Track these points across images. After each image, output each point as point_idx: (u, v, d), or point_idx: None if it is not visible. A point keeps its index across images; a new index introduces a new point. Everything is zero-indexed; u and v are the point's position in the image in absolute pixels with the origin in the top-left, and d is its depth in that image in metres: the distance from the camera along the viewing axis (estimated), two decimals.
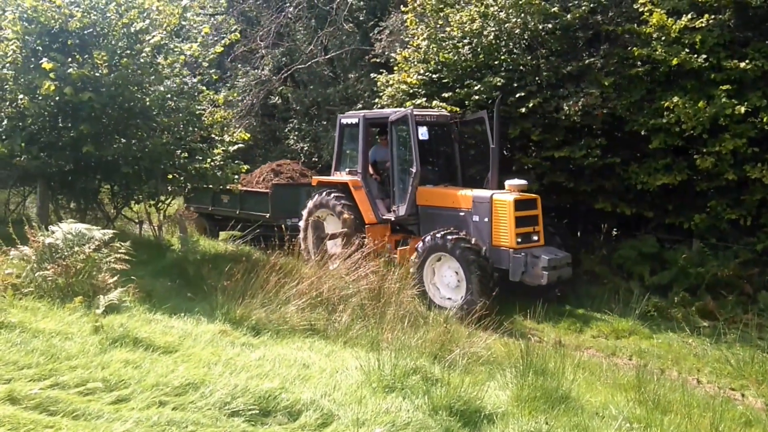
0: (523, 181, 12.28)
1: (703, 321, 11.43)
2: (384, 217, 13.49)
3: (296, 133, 26.70)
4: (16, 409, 4.34)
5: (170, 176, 13.13)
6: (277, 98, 27.88)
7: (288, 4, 26.62)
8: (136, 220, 14.52)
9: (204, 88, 13.61)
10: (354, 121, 14.04)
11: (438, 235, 11.82)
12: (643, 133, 13.01)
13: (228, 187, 14.35)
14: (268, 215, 16.35)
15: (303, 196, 15.87)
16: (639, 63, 12.98)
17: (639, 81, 13.04)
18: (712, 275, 12.01)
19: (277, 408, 4.97)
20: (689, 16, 12.13)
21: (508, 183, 12.13)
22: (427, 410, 5.29)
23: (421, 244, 12.06)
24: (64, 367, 5.13)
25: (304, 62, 26.14)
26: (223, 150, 13.73)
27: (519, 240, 11.75)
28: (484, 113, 13.13)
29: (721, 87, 11.72)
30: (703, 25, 11.97)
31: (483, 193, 12.32)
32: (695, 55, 12.03)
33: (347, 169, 14.21)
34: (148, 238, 13.27)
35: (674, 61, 12.10)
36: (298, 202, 15.91)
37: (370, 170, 14.13)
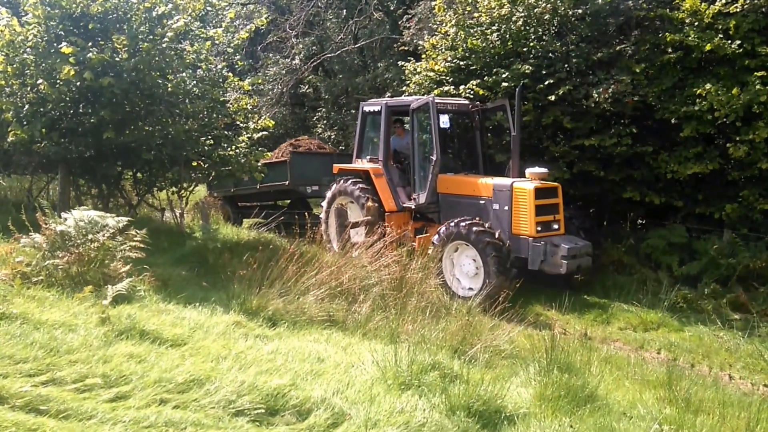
0: (544, 169, 12.15)
1: (734, 313, 11.16)
2: (404, 205, 13.41)
3: (324, 121, 26.71)
4: None
5: (194, 163, 12.97)
6: (306, 87, 27.90)
7: None
8: (159, 207, 14.37)
9: (230, 75, 13.42)
10: (376, 108, 13.92)
11: (452, 224, 11.75)
12: (674, 121, 12.78)
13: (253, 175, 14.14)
14: (287, 182, 16.47)
15: (320, 164, 16.10)
16: (671, 49, 12.71)
17: (670, 68, 12.80)
18: (744, 266, 11.75)
19: (285, 407, 4.75)
20: (723, 0, 11.87)
21: (528, 171, 12.00)
22: (444, 410, 5.07)
23: (436, 236, 11.95)
24: (64, 361, 4.89)
25: (334, 51, 26.09)
26: (248, 137, 13.55)
27: (539, 228, 11.65)
28: (506, 101, 12.94)
29: (755, 73, 11.52)
30: (738, 10, 11.74)
31: (503, 181, 12.19)
32: (729, 41, 11.82)
33: (368, 157, 14.05)
34: (170, 226, 13.10)
35: (707, 47, 11.87)
36: (316, 170, 16.19)
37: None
